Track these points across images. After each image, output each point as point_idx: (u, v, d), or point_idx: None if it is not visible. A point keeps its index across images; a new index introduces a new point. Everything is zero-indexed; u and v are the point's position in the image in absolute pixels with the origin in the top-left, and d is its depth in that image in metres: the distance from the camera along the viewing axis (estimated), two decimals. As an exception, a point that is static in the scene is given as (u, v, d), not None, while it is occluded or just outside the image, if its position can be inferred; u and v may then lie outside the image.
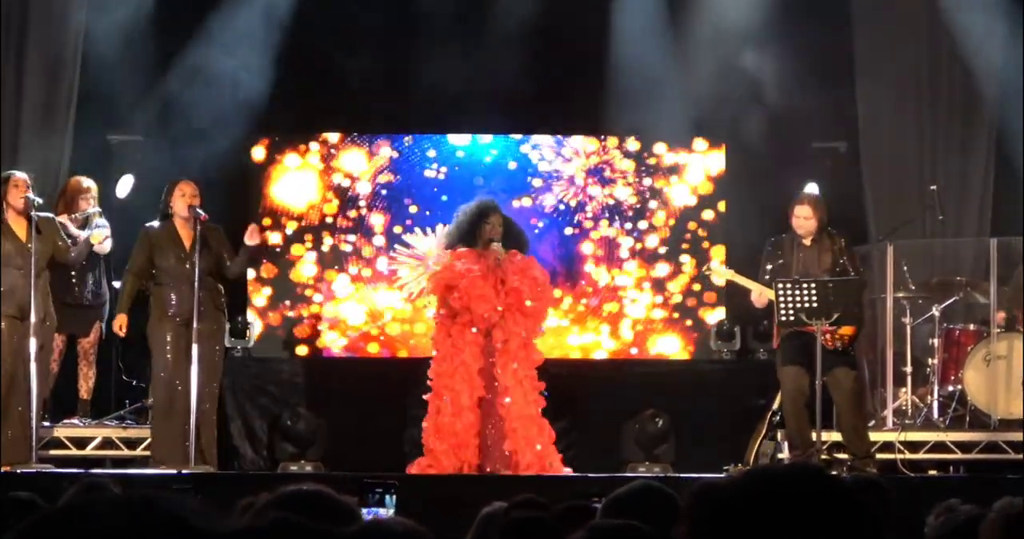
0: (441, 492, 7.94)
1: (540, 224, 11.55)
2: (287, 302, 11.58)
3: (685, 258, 11.70)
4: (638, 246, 11.72)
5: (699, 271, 9.78)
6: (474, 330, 9.28)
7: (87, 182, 9.94)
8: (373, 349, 11.60)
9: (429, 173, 11.68)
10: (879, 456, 9.54)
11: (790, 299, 8.98)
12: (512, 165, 11.71)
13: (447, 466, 9.14)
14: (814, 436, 9.08)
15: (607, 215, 11.72)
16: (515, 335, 9.28)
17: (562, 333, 11.47)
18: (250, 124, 11.23)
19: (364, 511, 3.80)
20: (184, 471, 8.69)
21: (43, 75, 10.93)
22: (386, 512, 3.87)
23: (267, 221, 11.54)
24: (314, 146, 11.67)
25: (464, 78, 11.12)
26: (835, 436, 9.60)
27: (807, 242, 9.34)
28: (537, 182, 11.69)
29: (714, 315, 11.58)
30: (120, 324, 9.29)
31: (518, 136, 11.73)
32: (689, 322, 11.68)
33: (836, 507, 1.99)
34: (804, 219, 9.31)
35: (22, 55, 10.90)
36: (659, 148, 11.76)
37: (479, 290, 9.23)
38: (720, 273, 9.49)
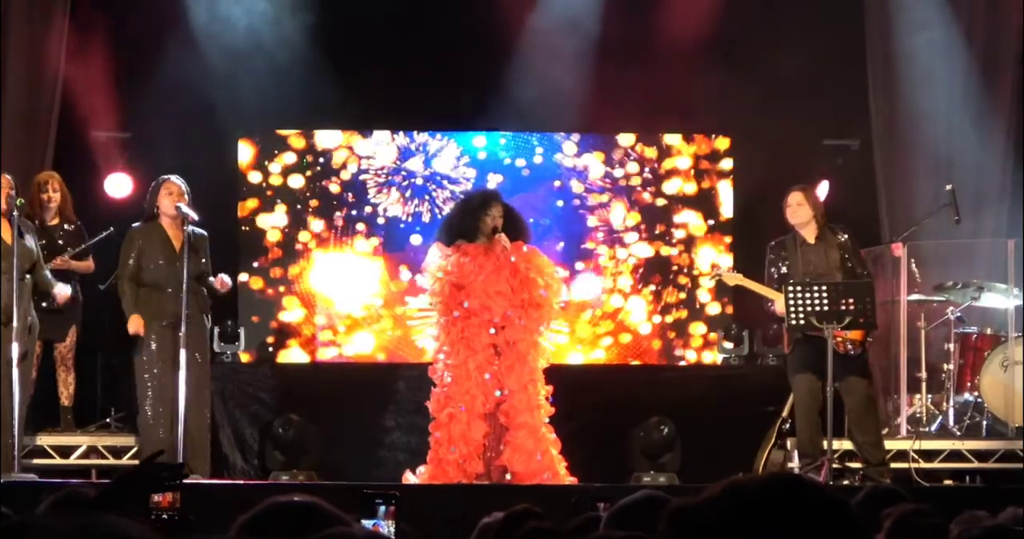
0: (441, 502, 7.91)
1: (545, 222, 11.54)
2: (278, 306, 11.57)
3: (693, 258, 11.70)
4: (644, 246, 11.72)
5: (711, 273, 9.67)
6: (492, 331, 8.99)
7: (46, 174, 9.95)
8: (367, 355, 11.59)
9: (439, 169, 11.69)
10: (893, 465, 9.51)
11: (800, 302, 8.94)
12: (519, 162, 11.71)
13: (453, 477, 8.89)
14: (826, 444, 9.05)
15: (613, 214, 11.71)
16: (526, 335, 9.03)
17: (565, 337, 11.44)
18: (237, 121, 11.26)
19: (366, 523, 3.77)
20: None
21: (25, 71, 10.92)
22: (387, 525, 3.84)
23: (246, 229, 11.56)
24: (310, 142, 11.68)
25: (477, 76, 11.17)
26: (848, 444, 9.58)
27: (811, 240, 9.29)
28: (541, 180, 11.69)
29: (715, 308, 11.58)
30: (136, 326, 9.13)
31: (529, 134, 11.73)
32: (694, 325, 11.68)
33: (821, 518, 1.94)
34: (797, 205, 9.26)
35: (3, 48, 10.89)
36: (667, 146, 11.76)
37: (495, 286, 8.95)
38: (730, 278, 9.41)
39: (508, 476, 9.02)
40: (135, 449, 9.66)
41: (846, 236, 9.36)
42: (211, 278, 9.28)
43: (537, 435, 9.04)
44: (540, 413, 9.10)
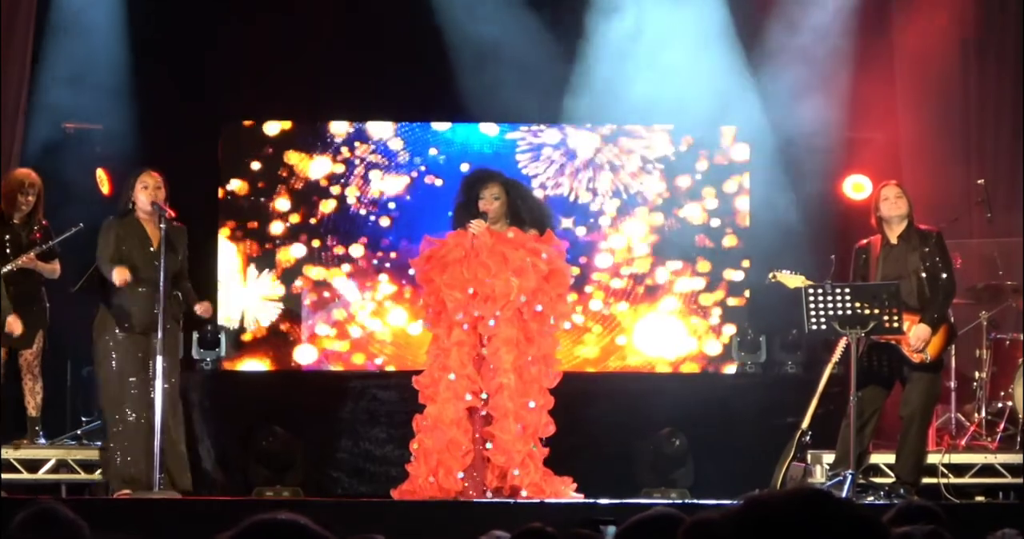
0: (435, 518, 7.92)
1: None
2: (264, 307, 11.58)
3: (707, 256, 11.72)
4: (656, 243, 11.73)
5: (769, 277, 9.46)
6: (465, 327, 8.69)
7: (31, 177, 9.89)
8: (358, 361, 11.60)
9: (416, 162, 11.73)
10: (922, 480, 9.48)
11: (820, 305, 8.89)
12: (517, 155, 11.74)
13: (421, 493, 8.64)
14: (862, 458, 9.03)
15: (622, 211, 11.72)
16: (507, 332, 8.66)
17: (567, 341, 11.43)
18: (218, 113, 11.31)
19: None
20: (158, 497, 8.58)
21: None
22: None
23: (229, 227, 11.58)
24: (298, 135, 11.71)
25: (460, 67, 11.21)
26: (874, 458, 9.56)
27: (894, 240, 9.19)
28: (542, 174, 11.71)
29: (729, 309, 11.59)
30: (123, 275, 8.80)
31: (538, 125, 11.76)
32: (709, 328, 11.68)
33: (846, 535, 1.94)
34: (895, 198, 9.14)
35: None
36: (684, 138, 11.78)
37: (450, 277, 8.67)
38: (790, 280, 9.20)
39: (488, 494, 8.75)
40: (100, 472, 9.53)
41: (934, 238, 9.20)
42: (196, 306, 9.12)
43: (515, 434, 8.66)
44: (521, 420, 8.72)
